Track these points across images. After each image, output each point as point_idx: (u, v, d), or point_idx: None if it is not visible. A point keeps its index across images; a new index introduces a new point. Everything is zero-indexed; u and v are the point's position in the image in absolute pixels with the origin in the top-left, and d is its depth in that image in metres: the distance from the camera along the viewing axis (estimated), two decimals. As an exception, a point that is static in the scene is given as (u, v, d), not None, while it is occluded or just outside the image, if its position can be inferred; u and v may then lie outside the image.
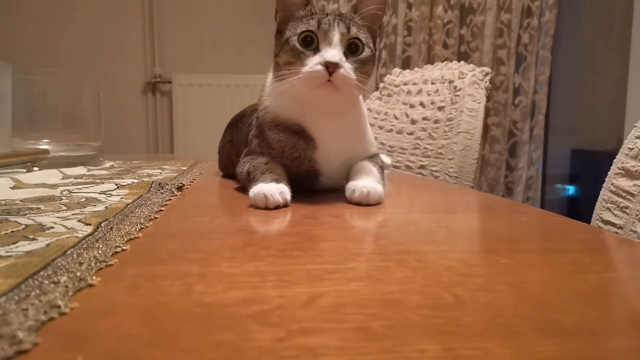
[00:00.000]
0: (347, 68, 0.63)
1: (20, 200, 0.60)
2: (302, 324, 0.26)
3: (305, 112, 0.68)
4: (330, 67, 0.61)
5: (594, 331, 0.26)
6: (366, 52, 0.66)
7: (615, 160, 0.67)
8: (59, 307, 0.26)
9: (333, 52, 0.62)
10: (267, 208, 0.58)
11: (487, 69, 1.22)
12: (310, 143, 0.68)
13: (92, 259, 0.35)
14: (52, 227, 0.45)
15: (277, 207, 0.59)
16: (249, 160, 0.71)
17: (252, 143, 0.74)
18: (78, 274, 0.31)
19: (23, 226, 0.45)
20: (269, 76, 0.73)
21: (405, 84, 1.39)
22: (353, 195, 0.63)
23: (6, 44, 2.18)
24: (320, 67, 0.62)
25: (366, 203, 0.62)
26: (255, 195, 0.59)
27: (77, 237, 0.41)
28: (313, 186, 0.71)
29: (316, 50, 0.64)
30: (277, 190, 0.60)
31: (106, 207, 0.55)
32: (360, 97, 0.74)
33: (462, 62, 1.27)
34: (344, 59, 0.63)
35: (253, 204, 0.60)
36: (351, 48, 0.65)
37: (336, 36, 0.64)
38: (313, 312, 0.27)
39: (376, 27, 0.71)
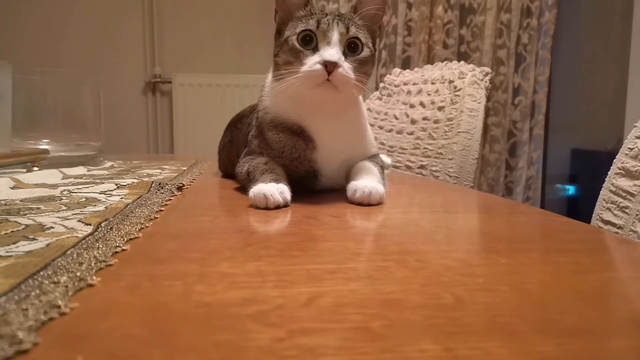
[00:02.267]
0: (346, 67, 0.63)
1: (20, 200, 0.60)
2: (302, 324, 0.26)
3: (304, 112, 0.68)
4: (329, 67, 0.61)
5: (594, 331, 0.26)
6: (365, 52, 0.66)
7: (615, 160, 0.67)
8: (59, 307, 0.26)
9: (332, 52, 0.62)
10: (267, 208, 0.58)
11: (487, 69, 1.21)
12: (309, 143, 0.68)
13: (92, 259, 0.35)
14: (52, 227, 0.45)
15: (277, 207, 0.59)
16: (248, 160, 0.71)
17: (251, 143, 0.74)
18: (78, 274, 0.31)
19: (23, 226, 0.45)
20: (269, 76, 0.73)
21: (405, 84, 1.39)
22: (354, 195, 0.63)
23: (6, 44, 2.18)
24: (319, 67, 0.61)
25: (367, 203, 0.62)
26: (255, 195, 0.59)
27: (77, 237, 0.41)
28: (313, 186, 0.71)
29: (315, 49, 0.64)
30: (277, 190, 0.60)
31: (106, 207, 0.55)
32: (360, 97, 0.74)
33: (462, 62, 1.27)
34: (342, 58, 0.63)
35: (253, 204, 0.60)
36: (350, 48, 0.65)
37: (335, 36, 0.64)
38: (313, 312, 0.27)
39: (376, 28, 0.71)
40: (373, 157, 0.75)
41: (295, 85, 0.63)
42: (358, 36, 0.66)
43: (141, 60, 2.32)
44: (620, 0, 2.37)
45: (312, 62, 0.62)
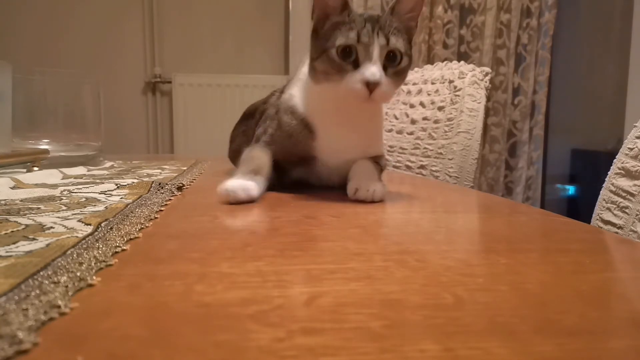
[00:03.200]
0: (386, 84, 0.62)
1: (20, 200, 0.60)
2: (302, 324, 0.26)
3: (321, 113, 0.69)
4: (371, 86, 0.61)
5: (594, 331, 0.26)
6: (404, 62, 0.65)
7: (615, 160, 0.67)
8: (59, 307, 0.26)
9: (374, 70, 0.61)
10: (229, 203, 0.60)
11: (487, 69, 1.21)
12: (313, 134, 0.70)
13: (92, 259, 0.35)
14: (52, 227, 0.44)
15: (240, 202, 0.60)
16: (250, 150, 0.73)
17: (264, 122, 0.76)
18: (78, 274, 0.31)
19: (23, 226, 0.45)
20: (305, 67, 0.72)
21: (405, 84, 1.39)
22: (356, 193, 0.63)
23: (6, 44, 2.18)
24: (360, 86, 0.61)
25: (369, 202, 0.63)
26: (220, 190, 0.61)
27: (77, 237, 0.41)
28: (315, 181, 0.73)
29: (355, 63, 0.63)
30: (240, 187, 0.60)
31: (106, 207, 0.55)
32: None
33: (462, 62, 1.27)
34: (383, 75, 0.62)
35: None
36: (389, 57, 0.64)
37: (376, 50, 0.62)
38: (313, 312, 0.27)
39: (413, 25, 0.69)
40: (377, 158, 0.76)
41: (333, 97, 0.64)
42: (398, 47, 0.64)
43: (141, 60, 2.32)
44: (620, 0, 2.37)
45: (353, 80, 0.62)
